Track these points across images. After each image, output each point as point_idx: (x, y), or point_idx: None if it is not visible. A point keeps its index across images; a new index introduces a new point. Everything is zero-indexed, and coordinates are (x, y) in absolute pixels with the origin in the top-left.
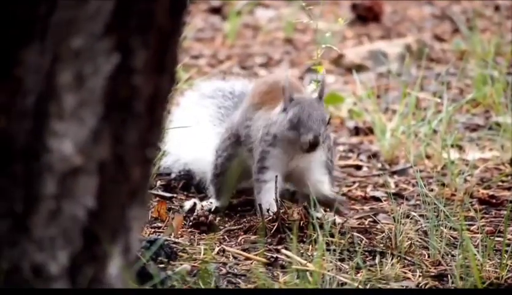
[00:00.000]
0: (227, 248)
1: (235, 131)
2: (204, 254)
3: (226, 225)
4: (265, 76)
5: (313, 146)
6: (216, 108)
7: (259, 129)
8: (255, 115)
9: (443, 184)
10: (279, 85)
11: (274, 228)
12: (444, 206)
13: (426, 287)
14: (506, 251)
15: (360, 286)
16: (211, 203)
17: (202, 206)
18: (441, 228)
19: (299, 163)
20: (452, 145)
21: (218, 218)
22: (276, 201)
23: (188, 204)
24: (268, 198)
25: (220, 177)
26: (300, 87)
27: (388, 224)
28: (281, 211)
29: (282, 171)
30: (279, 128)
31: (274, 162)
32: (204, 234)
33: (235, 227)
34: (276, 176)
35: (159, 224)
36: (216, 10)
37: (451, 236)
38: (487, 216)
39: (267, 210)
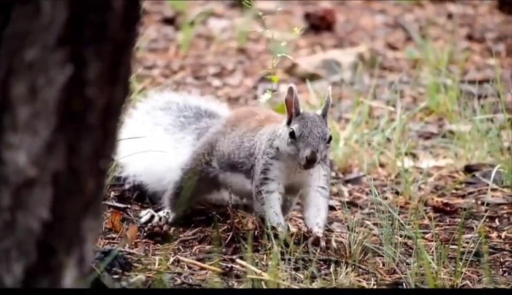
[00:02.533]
0: (182, 258)
1: (207, 150)
2: (158, 265)
3: (181, 236)
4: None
5: (310, 162)
6: (174, 117)
7: (253, 145)
8: (231, 135)
9: (397, 192)
10: (254, 113)
11: (229, 237)
12: (399, 215)
13: None
14: (461, 259)
15: None
16: (168, 213)
17: (159, 217)
18: (396, 236)
19: (300, 177)
20: (405, 154)
21: (172, 228)
22: (231, 211)
23: (145, 216)
24: (275, 209)
25: (180, 195)
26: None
27: (342, 232)
28: (235, 220)
29: (284, 183)
30: (281, 142)
31: (276, 174)
32: (159, 244)
33: (190, 237)
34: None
35: (114, 235)
36: (169, 21)
37: (406, 244)
38: (441, 223)
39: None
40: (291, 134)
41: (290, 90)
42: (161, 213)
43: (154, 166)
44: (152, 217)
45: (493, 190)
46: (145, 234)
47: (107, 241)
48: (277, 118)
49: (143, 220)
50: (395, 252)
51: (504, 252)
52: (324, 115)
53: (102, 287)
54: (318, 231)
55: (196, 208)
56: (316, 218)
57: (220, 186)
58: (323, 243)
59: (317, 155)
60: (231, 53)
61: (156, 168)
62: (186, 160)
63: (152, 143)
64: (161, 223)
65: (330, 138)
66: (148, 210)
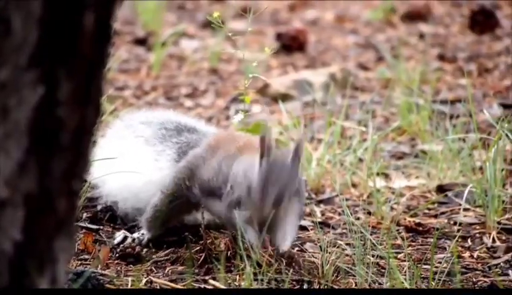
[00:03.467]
0: (154, 279)
1: (187, 176)
2: (131, 286)
3: (153, 257)
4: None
5: (277, 205)
6: (156, 129)
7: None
8: (211, 161)
9: (369, 213)
10: (234, 138)
11: (202, 258)
12: (371, 235)
13: None
14: (433, 278)
15: None
16: (143, 234)
17: (133, 238)
18: (368, 256)
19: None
20: (377, 174)
21: (145, 249)
22: (204, 232)
23: (118, 237)
24: (253, 233)
25: (159, 217)
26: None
27: (315, 252)
28: (208, 241)
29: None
30: (252, 183)
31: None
32: (131, 266)
33: (162, 258)
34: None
35: (86, 256)
36: (141, 41)
37: (378, 264)
38: (414, 243)
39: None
40: (258, 182)
41: (264, 135)
42: (135, 235)
43: (133, 180)
44: (125, 238)
45: (465, 209)
46: (117, 255)
47: (79, 262)
48: (256, 145)
49: (116, 241)
50: (367, 272)
51: (477, 272)
52: (293, 162)
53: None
54: (286, 245)
55: (169, 229)
56: (284, 234)
57: (199, 209)
58: (295, 255)
59: (283, 201)
60: (203, 74)
61: (135, 181)
62: (167, 184)
63: (132, 155)
64: (133, 244)
65: (297, 190)
66: (121, 231)
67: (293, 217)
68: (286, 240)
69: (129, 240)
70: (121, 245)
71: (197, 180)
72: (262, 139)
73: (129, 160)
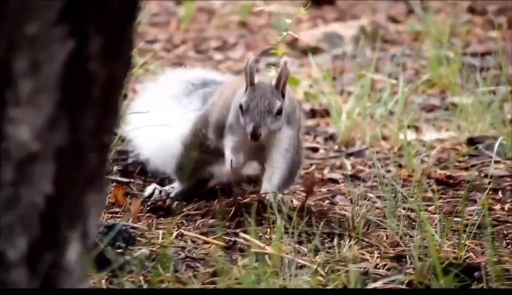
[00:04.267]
0: (185, 232)
1: (203, 123)
2: (162, 239)
3: (184, 210)
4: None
5: (254, 137)
6: (183, 85)
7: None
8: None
9: (400, 165)
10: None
11: (232, 211)
12: (402, 187)
13: (385, 268)
14: (464, 231)
15: (319, 268)
16: (172, 187)
17: (163, 191)
18: (399, 209)
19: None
20: (408, 126)
21: (175, 202)
22: (233, 185)
23: (148, 190)
24: (234, 154)
25: (184, 167)
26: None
27: (345, 205)
28: (238, 194)
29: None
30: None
31: (238, 134)
32: (162, 219)
33: (193, 212)
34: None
35: (117, 209)
36: None
37: (409, 217)
38: (444, 196)
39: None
40: (240, 107)
41: (247, 61)
42: (165, 187)
43: (162, 133)
44: (155, 191)
45: (496, 162)
46: (148, 208)
47: (110, 215)
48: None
49: (146, 194)
50: (398, 225)
51: (508, 224)
52: (277, 86)
53: (105, 261)
54: (266, 188)
55: (200, 182)
56: (269, 179)
57: (221, 157)
58: (272, 199)
59: (259, 130)
60: (232, 27)
61: (165, 135)
62: (185, 134)
63: (161, 114)
64: (164, 197)
65: (279, 110)
66: (152, 184)
67: (282, 152)
68: (270, 182)
69: (158, 193)
70: (152, 198)
71: (210, 125)
72: (250, 67)
73: (159, 115)
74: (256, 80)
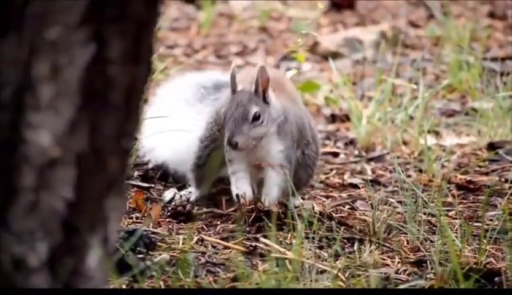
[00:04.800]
0: (206, 237)
1: (215, 119)
2: (182, 244)
3: (205, 215)
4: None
5: (231, 146)
6: (195, 89)
7: None
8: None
9: (420, 170)
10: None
11: (252, 216)
12: (422, 192)
13: (406, 273)
14: (485, 236)
15: (339, 273)
16: (190, 192)
17: (181, 196)
18: (419, 214)
19: (258, 153)
20: (428, 131)
21: (196, 207)
22: (253, 191)
23: (168, 195)
24: (240, 186)
25: (201, 166)
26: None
27: (366, 210)
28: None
29: (245, 161)
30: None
31: (235, 154)
32: (183, 224)
33: (213, 216)
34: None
35: (138, 215)
36: (190, 0)
37: (429, 222)
38: (465, 201)
39: (239, 196)
40: (222, 117)
41: (232, 66)
42: (183, 192)
43: (177, 139)
44: (175, 195)
45: None
46: (168, 213)
47: (131, 220)
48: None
49: (166, 199)
50: (418, 230)
51: None
52: (256, 92)
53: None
54: (265, 201)
55: (219, 187)
56: (265, 195)
57: None
58: (275, 209)
59: (234, 140)
60: (252, 32)
61: (179, 144)
62: (201, 132)
63: (175, 119)
64: (184, 202)
65: (256, 117)
66: (171, 189)
67: (277, 168)
68: (268, 194)
69: (177, 198)
70: (172, 203)
71: (222, 121)
72: (232, 75)
73: (173, 122)
74: (239, 87)
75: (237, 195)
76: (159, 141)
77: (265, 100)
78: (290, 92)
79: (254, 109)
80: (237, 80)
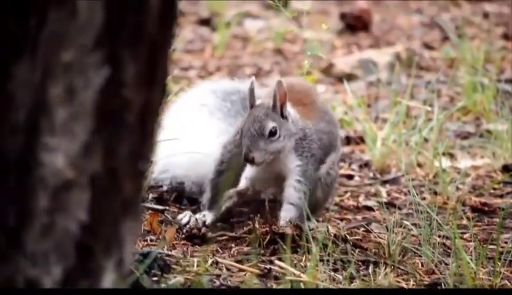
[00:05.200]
0: (220, 260)
1: (233, 138)
2: (197, 267)
3: (219, 237)
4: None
5: (248, 161)
6: (221, 100)
7: None
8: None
9: (435, 193)
10: (294, 87)
11: (267, 239)
12: (437, 215)
13: None
14: (500, 259)
15: None
16: (204, 215)
17: (196, 219)
18: (434, 236)
19: (274, 168)
20: (443, 154)
21: (210, 232)
22: (268, 213)
23: (184, 218)
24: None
25: (221, 175)
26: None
27: (381, 233)
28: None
29: (260, 178)
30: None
31: (248, 170)
32: (197, 246)
33: (228, 239)
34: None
35: (152, 237)
36: (205, 22)
37: (444, 244)
38: (479, 223)
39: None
40: (238, 132)
41: (251, 81)
42: (197, 215)
43: (197, 159)
44: (190, 218)
45: None
46: (183, 236)
47: (145, 243)
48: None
49: (182, 222)
50: (433, 252)
51: None
52: (274, 107)
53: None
54: (283, 224)
55: (234, 210)
56: (285, 216)
57: None
58: (289, 231)
59: (250, 155)
60: (267, 54)
61: (199, 161)
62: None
63: (197, 130)
64: (199, 225)
65: (273, 132)
66: (186, 212)
67: (295, 184)
68: (285, 218)
69: (193, 220)
70: (187, 226)
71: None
72: (250, 89)
73: (193, 137)
74: (258, 102)
75: (252, 218)
76: (177, 159)
77: (283, 115)
78: (318, 107)
79: (270, 125)
80: (257, 95)
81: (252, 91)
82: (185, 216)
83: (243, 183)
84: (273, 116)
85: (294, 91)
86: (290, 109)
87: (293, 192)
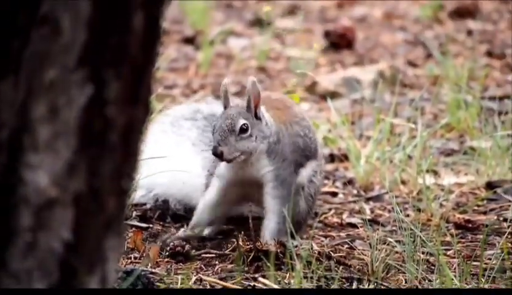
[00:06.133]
0: (204, 277)
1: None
2: (181, 284)
3: (203, 255)
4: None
5: (216, 156)
6: (201, 131)
7: None
8: None
9: (419, 209)
10: (271, 96)
11: (251, 256)
12: (421, 231)
13: None
14: (483, 275)
15: None
16: (185, 231)
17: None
18: (418, 253)
19: (247, 172)
20: (427, 171)
21: (194, 248)
22: (252, 230)
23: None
24: (206, 197)
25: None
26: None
27: (364, 250)
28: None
29: (234, 181)
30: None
31: (225, 171)
32: (181, 264)
33: (211, 256)
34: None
35: (136, 255)
36: (189, 40)
37: (428, 261)
38: (463, 240)
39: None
40: (212, 131)
41: (223, 83)
42: (180, 232)
43: (181, 178)
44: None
45: None
46: (167, 254)
47: (129, 260)
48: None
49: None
50: (417, 269)
51: None
52: (248, 107)
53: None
54: (265, 236)
55: (218, 227)
56: (265, 230)
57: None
58: (273, 249)
59: (218, 149)
60: (251, 72)
61: (183, 180)
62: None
63: (179, 159)
64: (183, 243)
65: (244, 129)
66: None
67: (272, 192)
68: (268, 230)
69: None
70: (171, 244)
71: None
72: (223, 91)
73: (177, 161)
74: (232, 104)
75: (236, 235)
76: (161, 177)
77: (256, 116)
78: (294, 112)
79: (242, 121)
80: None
81: (225, 93)
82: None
83: (214, 183)
84: (246, 115)
85: (270, 98)
86: (264, 112)
87: (270, 200)
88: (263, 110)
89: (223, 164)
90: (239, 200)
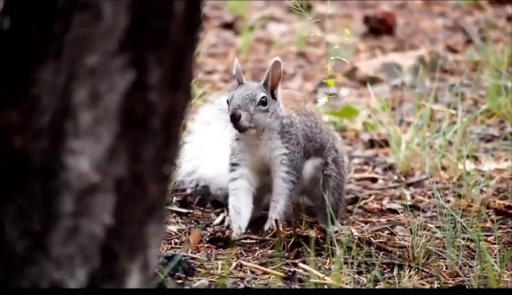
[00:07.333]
0: (244, 263)
1: None
2: (221, 269)
3: (243, 240)
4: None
5: (233, 120)
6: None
7: None
8: None
9: (459, 195)
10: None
11: (291, 242)
12: (461, 217)
13: None
14: None
15: None
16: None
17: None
18: (458, 239)
19: (263, 152)
20: (467, 156)
21: (235, 233)
22: (292, 215)
23: (217, 219)
24: (233, 202)
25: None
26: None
27: (405, 236)
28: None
29: (250, 164)
30: None
31: (241, 157)
32: (221, 249)
33: (252, 242)
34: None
35: (177, 240)
36: (228, 26)
37: (468, 247)
38: (503, 226)
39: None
40: (227, 102)
41: (235, 63)
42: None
43: (221, 171)
44: (224, 219)
45: None
46: (207, 239)
47: (170, 246)
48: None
49: (216, 222)
50: (457, 255)
51: None
52: (265, 83)
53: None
54: (272, 224)
55: (258, 213)
56: (273, 212)
57: None
58: (269, 226)
59: (237, 112)
60: (290, 58)
61: (221, 172)
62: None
63: (217, 146)
64: (223, 228)
65: (263, 102)
66: (221, 215)
67: (283, 175)
68: (275, 212)
69: (227, 220)
70: (211, 229)
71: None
72: (237, 68)
73: (218, 148)
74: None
75: (276, 221)
76: (203, 163)
77: (273, 95)
78: (303, 108)
79: (262, 94)
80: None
81: (238, 69)
82: (221, 218)
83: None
84: (265, 90)
85: (288, 93)
86: (279, 92)
87: (282, 183)
88: (279, 90)
89: (240, 150)
90: (266, 188)
